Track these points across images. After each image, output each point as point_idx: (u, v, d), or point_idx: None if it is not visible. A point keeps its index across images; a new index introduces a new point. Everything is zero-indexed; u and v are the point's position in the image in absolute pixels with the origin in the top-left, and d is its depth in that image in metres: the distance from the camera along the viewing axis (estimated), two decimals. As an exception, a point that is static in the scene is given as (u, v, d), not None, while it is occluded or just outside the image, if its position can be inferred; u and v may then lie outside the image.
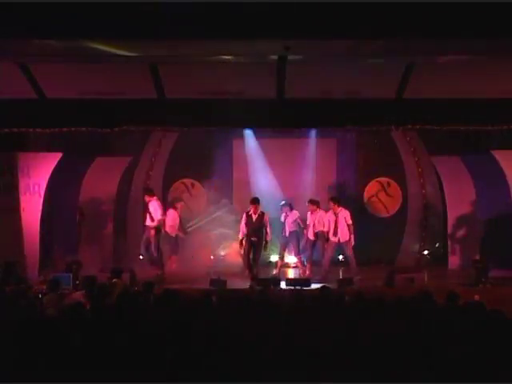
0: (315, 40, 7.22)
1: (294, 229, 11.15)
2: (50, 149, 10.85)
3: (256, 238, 10.72)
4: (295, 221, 11.16)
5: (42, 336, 4.57)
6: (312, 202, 11.09)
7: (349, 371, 4.12)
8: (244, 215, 10.91)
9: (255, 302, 6.18)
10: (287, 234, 11.12)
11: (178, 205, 11.74)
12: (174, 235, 11.54)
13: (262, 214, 10.77)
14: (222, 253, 12.19)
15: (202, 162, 12.63)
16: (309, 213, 11.10)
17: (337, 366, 4.19)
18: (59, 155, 10.45)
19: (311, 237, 11.00)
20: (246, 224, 10.77)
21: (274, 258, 11.88)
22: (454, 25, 6.81)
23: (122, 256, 11.35)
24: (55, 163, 10.42)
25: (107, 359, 4.31)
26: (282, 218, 11.15)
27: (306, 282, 9.70)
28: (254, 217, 10.76)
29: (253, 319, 5.41)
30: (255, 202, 10.80)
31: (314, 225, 10.96)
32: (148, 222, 10.89)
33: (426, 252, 11.82)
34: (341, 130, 10.63)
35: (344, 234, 10.56)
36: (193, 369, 4.14)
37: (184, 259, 11.64)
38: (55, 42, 7.25)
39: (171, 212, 11.54)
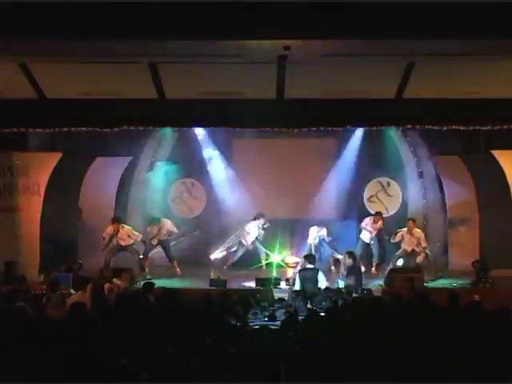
0: (315, 40, 7.22)
1: None
2: (50, 149, 10.84)
3: None
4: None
5: (42, 336, 4.58)
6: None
7: (348, 371, 4.12)
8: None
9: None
10: None
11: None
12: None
13: None
14: (223, 253, 12.18)
15: (202, 162, 12.63)
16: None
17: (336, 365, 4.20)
18: (59, 155, 10.46)
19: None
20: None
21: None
22: (453, 25, 6.81)
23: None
24: (55, 163, 10.42)
25: (107, 358, 4.31)
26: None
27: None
28: None
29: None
30: None
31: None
32: (125, 243, 10.89)
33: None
34: (341, 129, 10.60)
35: None
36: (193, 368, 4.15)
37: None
38: (55, 42, 7.25)
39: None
